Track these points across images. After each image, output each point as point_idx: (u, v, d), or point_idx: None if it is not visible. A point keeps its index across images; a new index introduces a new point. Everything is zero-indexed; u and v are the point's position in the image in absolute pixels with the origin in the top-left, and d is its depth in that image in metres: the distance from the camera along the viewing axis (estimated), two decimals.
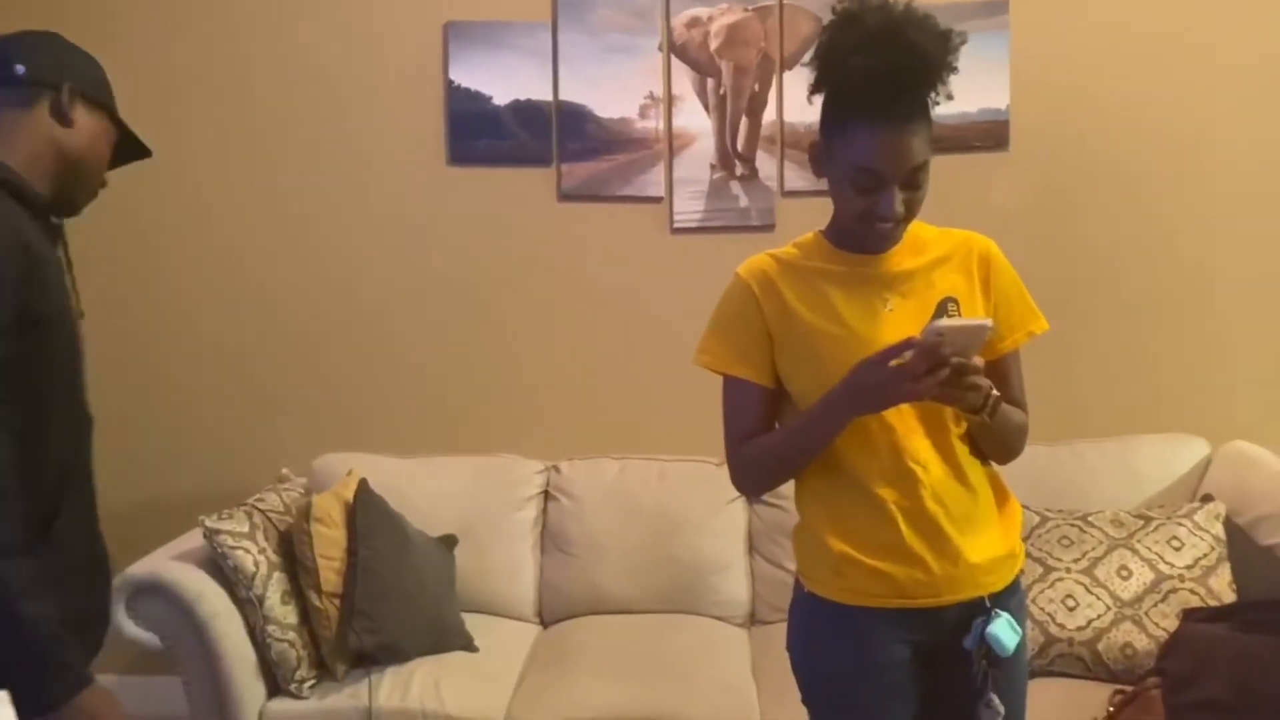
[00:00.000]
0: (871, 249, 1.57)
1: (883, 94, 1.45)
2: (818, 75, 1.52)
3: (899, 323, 1.54)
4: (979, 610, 1.56)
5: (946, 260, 1.59)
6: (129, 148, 1.65)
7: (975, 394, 1.45)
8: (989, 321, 1.44)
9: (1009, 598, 1.59)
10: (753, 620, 2.83)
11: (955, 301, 1.57)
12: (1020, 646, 1.58)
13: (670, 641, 2.66)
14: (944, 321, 1.41)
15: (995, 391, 1.49)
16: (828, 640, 1.61)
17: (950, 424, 1.55)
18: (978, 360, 1.45)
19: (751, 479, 1.65)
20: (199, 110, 3.05)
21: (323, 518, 2.54)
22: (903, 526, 1.53)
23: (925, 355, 1.38)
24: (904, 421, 1.54)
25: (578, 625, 2.78)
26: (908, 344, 1.40)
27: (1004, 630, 1.54)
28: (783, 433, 1.61)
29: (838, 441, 1.54)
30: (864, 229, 1.54)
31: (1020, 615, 1.60)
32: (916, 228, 1.60)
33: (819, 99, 1.55)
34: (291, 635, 2.47)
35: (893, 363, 1.42)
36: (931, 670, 1.59)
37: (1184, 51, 2.86)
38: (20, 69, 1.50)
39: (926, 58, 1.46)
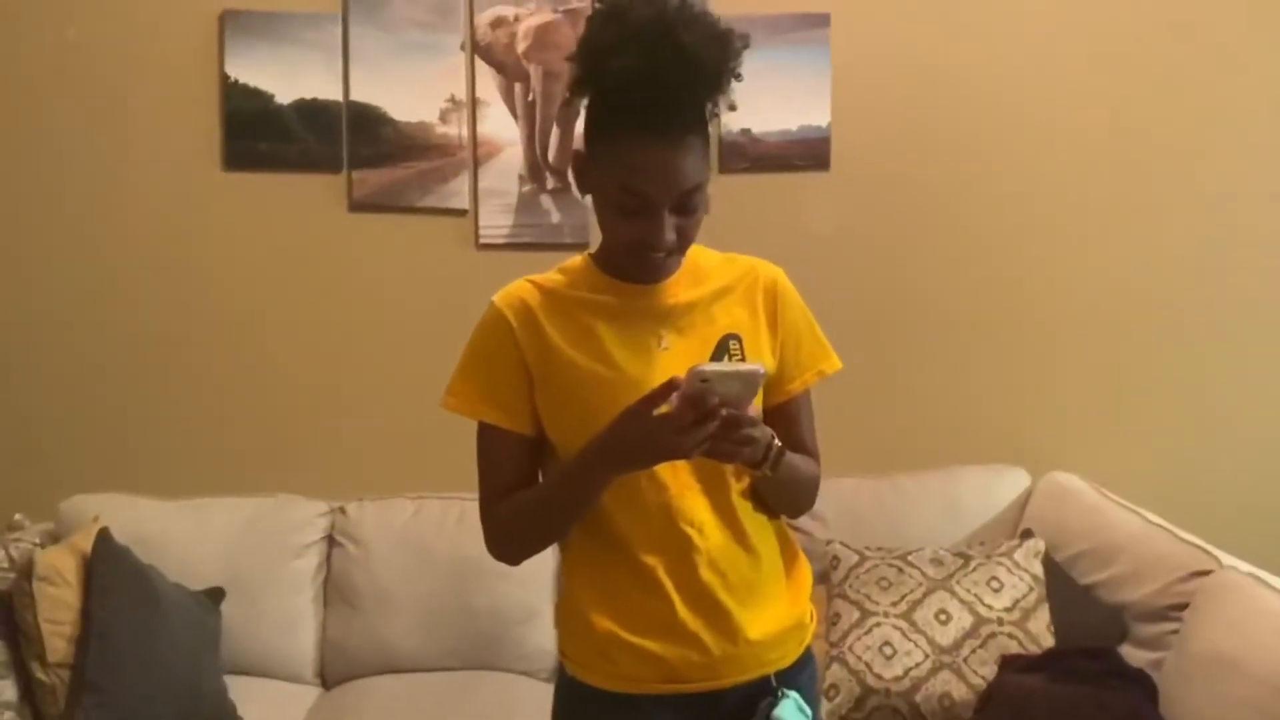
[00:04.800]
0: (642, 278, 1.37)
1: (648, 103, 1.25)
2: (578, 76, 1.31)
3: (675, 363, 1.33)
4: (764, 690, 1.37)
5: (729, 291, 1.40)
6: None
7: (753, 448, 1.25)
8: (761, 367, 1.24)
9: (798, 674, 1.41)
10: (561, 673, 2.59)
11: (738, 339, 1.38)
12: None
13: (467, 701, 2.42)
14: (709, 366, 1.21)
15: (777, 441, 1.30)
16: None
17: (731, 480, 1.36)
18: (754, 408, 1.26)
19: (506, 543, 1.42)
20: None
21: (49, 575, 2.19)
22: (675, 600, 1.33)
23: (690, 404, 1.18)
24: (678, 478, 1.34)
25: (363, 687, 2.49)
26: (671, 386, 1.20)
27: (791, 713, 1.36)
28: (538, 491, 1.39)
29: (604, 500, 1.33)
30: (632, 257, 1.33)
31: (811, 692, 1.43)
32: (696, 254, 1.41)
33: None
34: (9, 716, 2.12)
35: (657, 411, 1.21)
36: None
37: (1009, 70, 2.80)
38: None
39: (700, 62, 1.25)
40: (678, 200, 1.28)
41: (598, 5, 1.30)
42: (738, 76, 1.30)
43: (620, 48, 1.24)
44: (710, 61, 1.27)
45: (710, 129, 1.33)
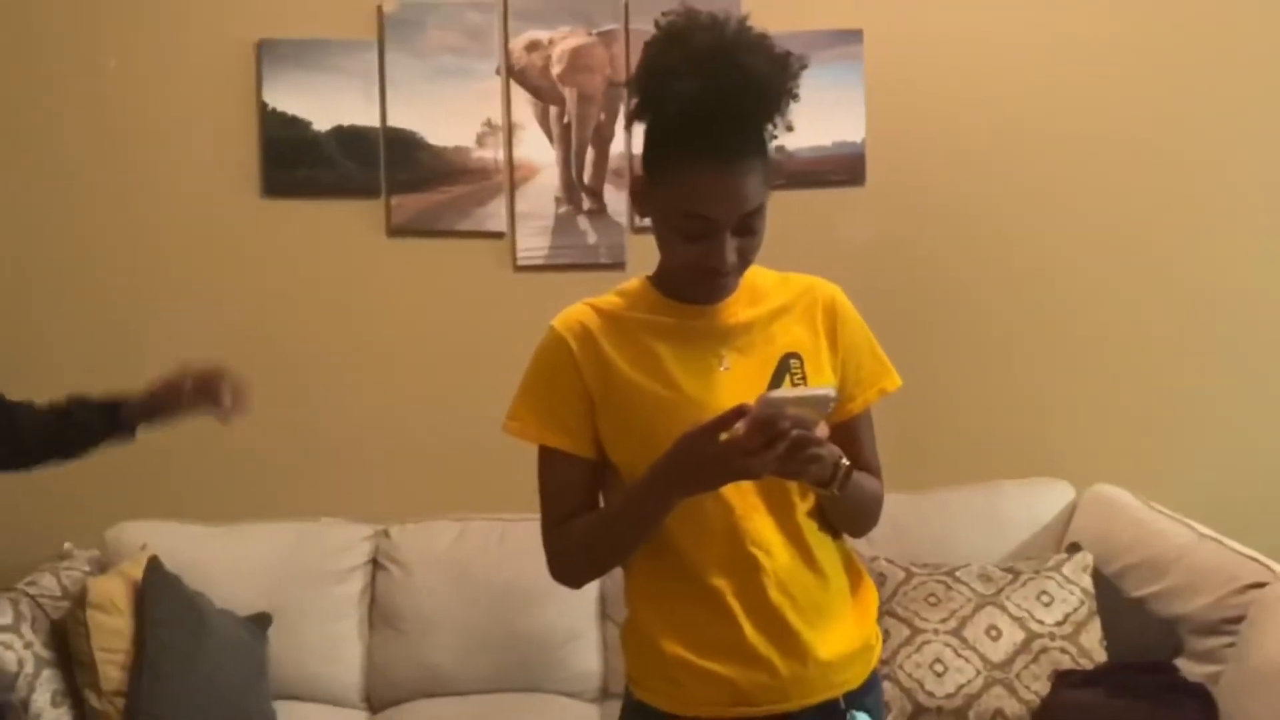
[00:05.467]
0: (702, 299, 1.37)
1: (711, 127, 1.25)
2: (638, 101, 1.31)
3: (736, 383, 1.34)
4: (833, 713, 1.36)
5: (788, 310, 1.40)
6: None
7: (820, 466, 1.25)
8: (832, 390, 1.24)
9: (865, 695, 1.40)
10: (605, 694, 2.58)
11: (799, 358, 1.37)
12: None
13: None
14: (780, 392, 1.21)
15: (845, 461, 1.30)
16: None
17: (796, 499, 1.36)
18: (822, 428, 1.25)
19: (569, 567, 1.42)
20: None
21: (102, 604, 2.21)
22: (743, 622, 1.32)
23: (760, 429, 1.18)
24: (744, 499, 1.33)
25: (409, 711, 2.49)
26: (739, 412, 1.19)
27: None
28: (601, 514, 1.38)
29: (669, 523, 1.33)
30: (693, 279, 1.34)
31: (878, 714, 1.42)
32: (754, 274, 1.41)
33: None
34: None
35: (723, 436, 1.21)
36: None
37: (1043, 84, 2.78)
38: None
39: (762, 84, 1.26)
40: (739, 222, 1.29)
41: (657, 30, 1.31)
42: (795, 97, 1.31)
43: (681, 72, 1.25)
44: (771, 83, 1.27)
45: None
